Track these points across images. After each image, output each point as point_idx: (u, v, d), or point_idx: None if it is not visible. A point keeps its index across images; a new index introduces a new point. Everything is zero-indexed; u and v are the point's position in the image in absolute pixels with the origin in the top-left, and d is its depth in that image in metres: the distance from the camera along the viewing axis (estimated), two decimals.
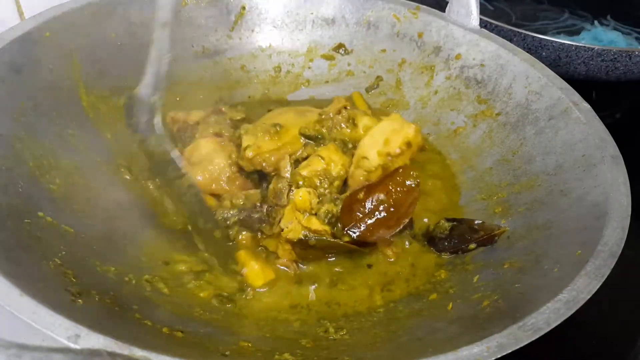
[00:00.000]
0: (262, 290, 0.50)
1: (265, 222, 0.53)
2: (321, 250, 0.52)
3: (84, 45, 0.60)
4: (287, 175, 0.54)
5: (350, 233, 0.51)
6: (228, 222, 0.53)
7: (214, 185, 0.57)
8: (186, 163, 0.58)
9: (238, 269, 0.51)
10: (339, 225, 0.52)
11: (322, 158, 0.56)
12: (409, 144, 0.58)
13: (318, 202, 0.52)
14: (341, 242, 0.51)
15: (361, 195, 0.52)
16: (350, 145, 0.59)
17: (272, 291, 0.50)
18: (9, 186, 0.45)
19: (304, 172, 0.54)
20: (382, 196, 0.52)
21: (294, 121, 0.59)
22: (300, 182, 0.53)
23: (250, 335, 0.43)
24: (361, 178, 0.56)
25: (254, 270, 0.50)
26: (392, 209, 0.52)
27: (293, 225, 0.51)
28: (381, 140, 0.57)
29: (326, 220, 0.52)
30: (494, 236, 0.52)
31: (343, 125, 0.59)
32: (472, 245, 0.53)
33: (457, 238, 0.54)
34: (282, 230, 0.52)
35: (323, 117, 0.60)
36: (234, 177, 0.57)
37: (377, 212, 0.52)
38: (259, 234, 0.54)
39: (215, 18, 0.72)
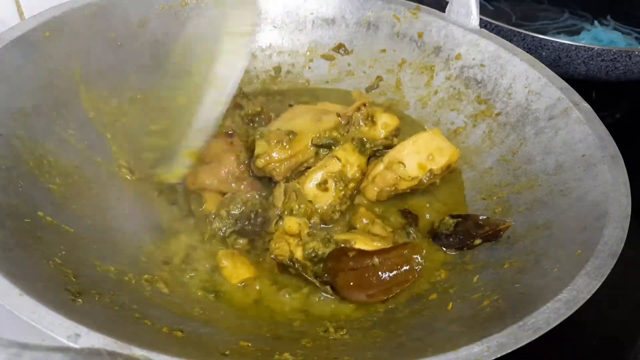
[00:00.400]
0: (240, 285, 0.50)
1: (258, 236, 0.53)
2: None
3: (84, 45, 0.60)
4: (279, 205, 0.53)
5: (327, 278, 0.49)
6: (223, 232, 0.53)
7: (223, 185, 0.57)
8: (199, 162, 0.58)
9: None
10: (322, 265, 0.50)
11: (339, 159, 0.55)
12: (449, 167, 0.58)
13: (308, 234, 0.51)
14: (316, 283, 0.49)
15: (352, 253, 0.49)
16: (367, 145, 0.58)
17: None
18: (8, 186, 0.45)
19: (319, 174, 0.54)
20: (376, 261, 0.47)
21: (310, 127, 0.58)
22: (295, 210, 0.52)
23: (250, 335, 0.43)
24: (391, 181, 0.56)
25: (229, 269, 0.50)
26: (381, 278, 0.47)
27: (282, 244, 0.51)
28: (425, 154, 0.56)
29: (308, 257, 0.50)
30: (499, 231, 0.52)
31: (361, 123, 0.58)
32: (478, 241, 0.53)
33: (462, 234, 0.54)
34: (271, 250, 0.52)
35: (341, 121, 0.58)
36: (242, 176, 0.57)
37: (363, 274, 0.48)
38: (254, 242, 0.54)
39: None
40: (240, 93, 0.68)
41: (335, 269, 0.48)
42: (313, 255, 0.49)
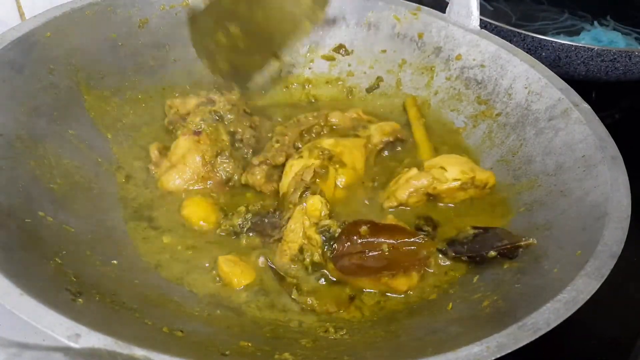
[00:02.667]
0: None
1: (277, 227, 0.53)
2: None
3: (84, 45, 0.60)
4: (307, 179, 0.55)
5: (333, 260, 0.49)
6: (244, 228, 0.53)
7: (187, 186, 0.58)
8: (168, 163, 0.59)
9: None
10: (332, 247, 0.50)
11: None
12: (486, 185, 0.58)
13: (324, 214, 0.52)
14: (296, 298, 0.48)
15: (364, 229, 0.49)
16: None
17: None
18: (9, 186, 0.45)
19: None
20: (385, 246, 0.48)
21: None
22: (318, 191, 0.54)
23: (250, 335, 0.43)
24: (426, 183, 0.57)
25: (229, 275, 0.50)
26: (385, 260, 0.48)
27: (297, 226, 0.51)
28: (466, 166, 0.58)
29: (319, 231, 0.50)
30: (518, 247, 0.48)
31: None
32: (493, 253, 0.49)
33: (479, 243, 0.51)
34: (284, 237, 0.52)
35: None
36: (207, 176, 0.58)
37: (369, 254, 0.48)
38: (267, 238, 0.54)
39: None
40: (215, 87, 0.69)
41: (343, 247, 0.48)
42: (325, 230, 0.50)
